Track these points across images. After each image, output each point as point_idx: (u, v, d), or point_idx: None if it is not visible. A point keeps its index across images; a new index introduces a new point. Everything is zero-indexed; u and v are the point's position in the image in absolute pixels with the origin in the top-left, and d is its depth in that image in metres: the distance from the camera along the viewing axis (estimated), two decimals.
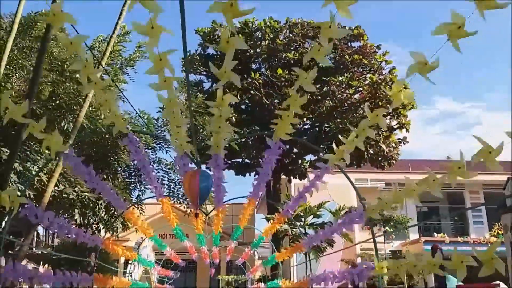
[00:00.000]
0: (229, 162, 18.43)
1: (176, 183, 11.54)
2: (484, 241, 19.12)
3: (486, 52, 67.80)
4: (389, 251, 21.64)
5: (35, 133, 2.73)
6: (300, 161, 19.13)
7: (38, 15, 8.54)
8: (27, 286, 11.28)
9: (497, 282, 9.53)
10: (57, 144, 2.95)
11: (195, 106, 10.88)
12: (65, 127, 8.39)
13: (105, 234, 10.26)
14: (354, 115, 16.87)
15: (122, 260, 16.55)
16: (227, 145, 3.50)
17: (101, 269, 7.99)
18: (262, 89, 16.88)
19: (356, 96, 17.32)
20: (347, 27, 16.92)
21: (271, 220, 6.97)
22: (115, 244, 6.26)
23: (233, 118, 14.06)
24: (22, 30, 8.36)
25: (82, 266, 10.16)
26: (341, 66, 17.35)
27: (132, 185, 11.70)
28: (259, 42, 17.84)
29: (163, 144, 11.13)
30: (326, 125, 17.73)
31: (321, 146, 15.90)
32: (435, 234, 21.74)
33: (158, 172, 11.38)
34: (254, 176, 4.94)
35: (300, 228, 13.94)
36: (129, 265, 15.28)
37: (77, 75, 7.86)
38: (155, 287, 15.54)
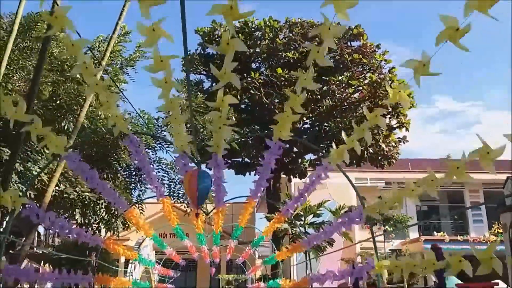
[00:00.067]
0: (229, 161, 18.45)
1: (177, 182, 11.57)
2: (483, 240, 19.15)
3: (486, 52, 67.82)
4: (389, 250, 21.65)
5: (39, 133, 2.75)
6: (300, 160, 19.16)
7: (39, 15, 8.54)
8: (27, 286, 11.30)
9: (496, 280, 9.56)
10: (59, 146, 2.97)
11: (195, 106, 10.90)
12: (66, 127, 8.41)
13: (105, 234, 10.28)
14: (354, 114, 16.89)
15: (122, 260, 16.58)
16: (228, 145, 3.51)
17: (101, 269, 8.01)
18: (262, 89, 16.90)
19: (356, 95, 17.34)
20: (346, 27, 16.93)
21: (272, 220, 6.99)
22: (115, 243, 6.29)
23: (233, 118, 14.06)
24: (23, 30, 8.37)
25: (83, 265, 10.18)
26: (341, 66, 17.37)
27: (133, 185, 11.73)
28: (258, 42, 17.86)
29: (163, 144, 11.16)
30: (326, 124, 17.75)
31: (321, 145, 15.92)
32: (435, 233, 21.77)
33: (159, 171, 11.42)
34: (254, 176, 4.96)
35: (300, 227, 13.96)
36: (129, 265, 15.28)
37: (78, 76, 7.88)
38: (156, 286, 15.56)
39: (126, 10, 7.46)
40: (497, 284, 9.58)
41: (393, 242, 22.36)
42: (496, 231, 19.92)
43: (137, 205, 10.27)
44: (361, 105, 15.89)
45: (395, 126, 17.73)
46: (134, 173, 11.68)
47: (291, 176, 19.12)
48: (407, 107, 15.46)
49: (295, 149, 18.42)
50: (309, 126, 19.19)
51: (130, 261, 13.40)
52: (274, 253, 9.58)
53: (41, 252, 15.35)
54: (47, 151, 3.12)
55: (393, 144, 18.02)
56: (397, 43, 65.86)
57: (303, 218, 14.71)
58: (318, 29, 1.92)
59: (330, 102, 17.20)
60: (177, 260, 12.32)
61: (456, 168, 2.43)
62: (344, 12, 1.68)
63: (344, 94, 17.21)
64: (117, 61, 10.86)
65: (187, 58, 3.00)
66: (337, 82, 16.84)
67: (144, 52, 11.02)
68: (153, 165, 10.31)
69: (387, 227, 19.25)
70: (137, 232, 10.62)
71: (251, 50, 17.46)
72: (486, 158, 2.16)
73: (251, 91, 16.92)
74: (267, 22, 17.89)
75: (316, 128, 18.56)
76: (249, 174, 18.70)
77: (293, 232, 14.93)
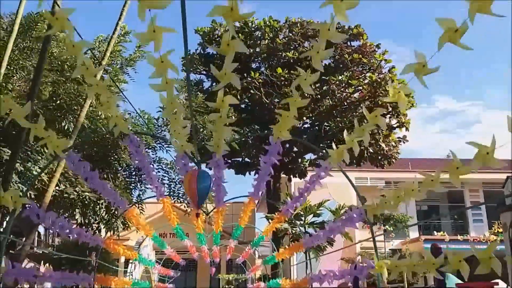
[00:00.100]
0: (229, 161, 18.45)
1: (177, 182, 11.58)
2: (483, 239, 19.14)
3: (486, 51, 67.80)
4: (389, 249, 21.65)
5: (41, 134, 2.75)
6: (300, 160, 19.15)
7: (39, 15, 8.54)
8: (27, 286, 11.30)
9: (496, 280, 9.55)
10: (60, 147, 2.98)
11: (195, 105, 10.90)
12: (66, 127, 8.41)
13: (105, 234, 10.29)
14: (354, 114, 16.88)
15: (122, 259, 16.57)
16: (228, 145, 3.52)
17: (102, 269, 8.01)
18: (262, 88, 16.90)
19: (356, 95, 17.33)
20: (346, 26, 16.94)
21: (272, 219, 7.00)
22: (115, 243, 6.30)
23: (233, 118, 14.06)
24: (23, 30, 8.37)
25: (83, 265, 10.20)
26: (341, 65, 17.36)
27: (133, 185, 11.73)
28: (258, 42, 17.85)
29: (163, 143, 11.16)
30: (326, 124, 17.75)
31: (321, 145, 15.92)
32: (435, 233, 21.76)
33: (159, 171, 11.43)
34: (254, 175, 4.97)
35: (300, 227, 13.95)
36: (129, 264, 15.29)
37: (78, 76, 7.87)
38: (156, 286, 15.57)
39: (126, 10, 7.46)
40: (497, 283, 9.57)
41: (393, 241, 22.36)
42: (496, 231, 19.90)
43: (137, 205, 10.28)
44: (361, 105, 15.89)
45: (395, 125, 17.73)
46: (134, 173, 11.69)
47: (291, 176, 19.11)
48: (404, 108, 15.44)
49: (295, 149, 18.41)
50: (309, 125, 19.19)
51: (130, 261, 13.41)
52: (274, 253, 9.58)
53: (41, 252, 15.36)
54: (47, 151, 3.12)
55: (393, 143, 18.01)
56: (397, 43, 65.85)
57: (303, 218, 14.69)
58: (321, 31, 1.91)
59: (330, 102, 17.19)
60: (177, 260, 12.34)
61: (456, 168, 2.43)
62: (343, 13, 1.68)
63: (344, 94, 17.20)
64: (117, 61, 10.87)
65: (187, 58, 3.01)
66: (337, 82, 16.83)
67: (144, 52, 11.02)
68: (153, 165, 10.29)
69: (387, 226, 19.24)
70: (137, 232, 10.62)
71: (251, 50, 17.44)
72: (487, 157, 2.17)
73: (251, 91, 16.91)
74: (267, 22, 17.88)
75: (316, 127, 18.56)
76: (249, 173, 18.70)
77: (293, 232, 14.93)
